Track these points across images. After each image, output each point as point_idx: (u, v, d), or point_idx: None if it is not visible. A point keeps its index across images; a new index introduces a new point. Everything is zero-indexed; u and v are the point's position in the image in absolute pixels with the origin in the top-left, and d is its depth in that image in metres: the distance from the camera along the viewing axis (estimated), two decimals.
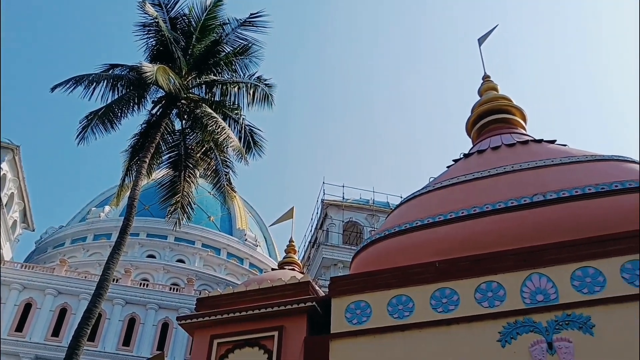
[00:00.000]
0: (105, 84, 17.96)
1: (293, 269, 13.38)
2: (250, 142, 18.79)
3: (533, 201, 10.93)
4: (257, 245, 54.86)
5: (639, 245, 9.50)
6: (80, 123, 17.87)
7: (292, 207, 15.55)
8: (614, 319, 9.09)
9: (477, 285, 10.05)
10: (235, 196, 22.54)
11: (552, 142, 13.51)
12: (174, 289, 42.98)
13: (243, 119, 19.10)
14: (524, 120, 15.41)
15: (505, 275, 9.98)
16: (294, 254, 14.14)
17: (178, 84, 17.26)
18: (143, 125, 18.90)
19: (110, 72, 18.41)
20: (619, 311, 9.14)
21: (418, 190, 12.95)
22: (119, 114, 18.12)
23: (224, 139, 17.41)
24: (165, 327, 39.51)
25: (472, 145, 15.17)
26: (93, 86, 17.74)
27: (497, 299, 9.84)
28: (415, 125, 61.93)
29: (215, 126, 17.12)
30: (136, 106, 18.44)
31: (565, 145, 13.39)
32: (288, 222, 15.97)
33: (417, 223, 11.57)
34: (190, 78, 18.76)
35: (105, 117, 17.79)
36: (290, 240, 14.44)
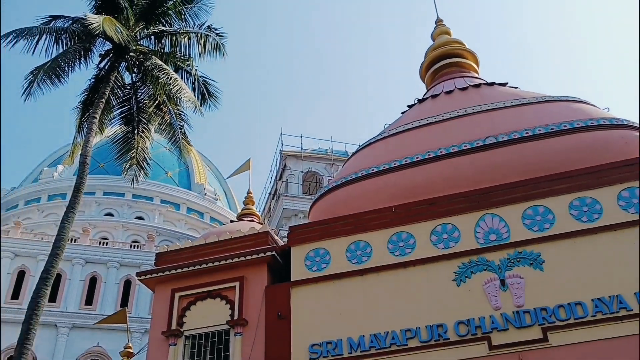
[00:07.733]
0: (47, 37, 17.17)
1: (252, 220, 13.38)
2: (204, 93, 18.32)
3: (485, 144, 11.13)
4: (216, 199, 54.51)
5: (585, 182, 9.85)
6: (25, 79, 17.15)
7: (249, 159, 15.48)
8: (562, 254, 9.48)
9: (432, 227, 10.29)
10: (191, 150, 22.14)
11: (504, 84, 13.67)
12: (134, 246, 42.58)
13: (196, 70, 18.55)
14: (477, 63, 15.51)
15: (460, 217, 10.24)
16: (252, 205, 14.12)
17: (126, 35, 16.61)
18: (92, 80, 18.22)
19: (52, 24, 17.56)
20: (567, 246, 9.52)
21: (373, 137, 13.01)
22: (66, 68, 17.36)
23: (176, 91, 16.90)
24: (127, 284, 39.24)
25: (426, 90, 15.24)
26: (35, 39, 16.96)
27: (452, 240, 10.11)
28: (371, 73, 61.99)
29: (167, 78, 16.62)
30: (83, 59, 17.73)
31: (516, 87, 13.57)
32: (246, 175, 15.88)
33: (372, 169, 11.67)
34: (138, 29, 18.01)
35: (52, 72, 16.98)
36: (248, 192, 14.41)
